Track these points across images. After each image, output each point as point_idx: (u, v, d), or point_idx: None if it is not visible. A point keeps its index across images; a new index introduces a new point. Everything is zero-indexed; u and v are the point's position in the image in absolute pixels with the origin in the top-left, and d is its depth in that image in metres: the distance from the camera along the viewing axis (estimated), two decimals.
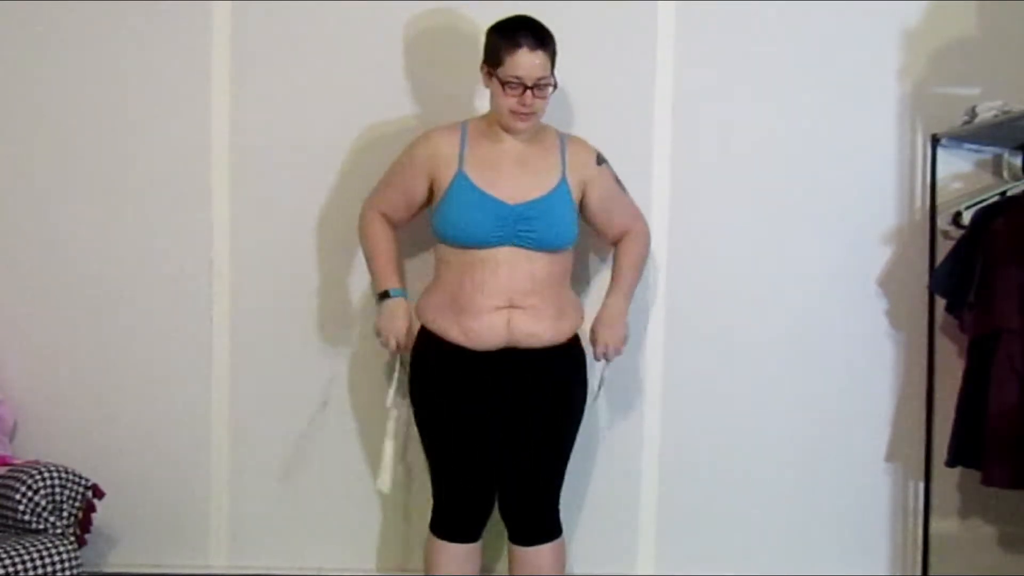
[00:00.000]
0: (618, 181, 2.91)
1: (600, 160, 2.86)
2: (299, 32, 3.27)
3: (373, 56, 3.27)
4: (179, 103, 3.28)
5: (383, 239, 2.89)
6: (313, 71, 3.28)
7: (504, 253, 2.69)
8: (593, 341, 2.89)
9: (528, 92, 2.65)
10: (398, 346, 2.83)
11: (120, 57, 3.28)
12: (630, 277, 2.93)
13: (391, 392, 2.91)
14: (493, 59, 2.69)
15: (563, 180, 2.76)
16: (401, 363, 2.90)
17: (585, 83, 3.23)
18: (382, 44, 3.26)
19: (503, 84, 2.66)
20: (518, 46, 2.63)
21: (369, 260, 2.93)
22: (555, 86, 2.72)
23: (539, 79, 2.65)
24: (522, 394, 2.74)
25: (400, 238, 2.97)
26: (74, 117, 3.29)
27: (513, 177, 2.72)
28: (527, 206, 2.69)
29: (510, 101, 2.67)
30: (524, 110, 2.68)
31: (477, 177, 2.71)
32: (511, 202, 2.69)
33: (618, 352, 2.90)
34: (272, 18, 3.26)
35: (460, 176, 2.71)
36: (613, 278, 2.94)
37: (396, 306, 2.82)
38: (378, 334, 2.84)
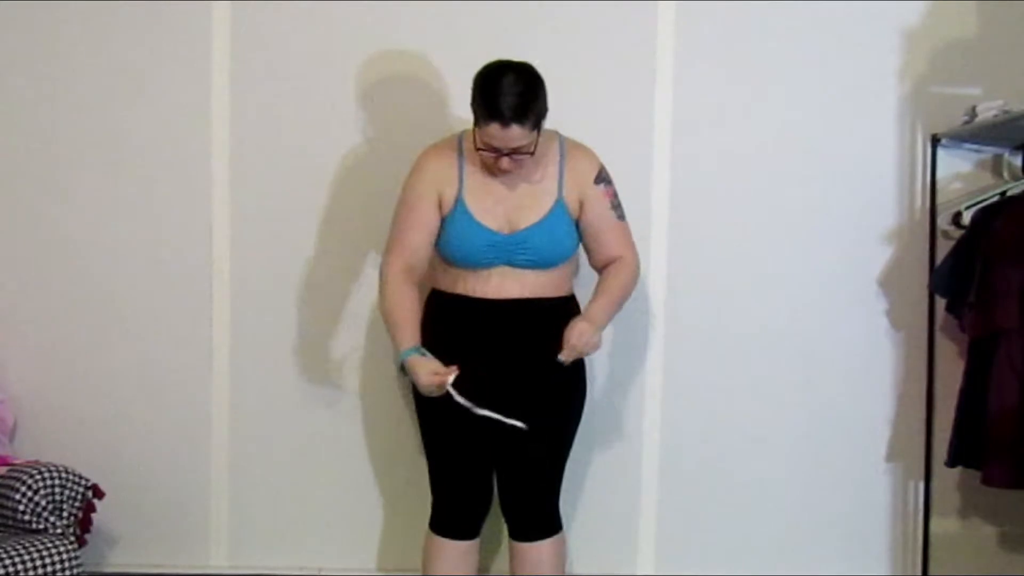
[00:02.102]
0: (615, 206, 2.77)
1: (599, 179, 2.75)
2: (299, 32, 3.27)
3: (373, 56, 3.27)
4: (179, 103, 3.28)
5: (401, 302, 2.68)
6: (313, 71, 3.27)
7: (498, 270, 2.71)
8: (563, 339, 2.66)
9: (504, 158, 2.59)
10: (443, 383, 2.58)
11: (120, 57, 3.28)
12: (605, 302, 2.72)
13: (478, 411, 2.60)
14: (474, 114, 2.59)
15: (559, 200, 2.71)
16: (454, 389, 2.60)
17: (585, 83, 3.23)
18: (383, 43, 3.26)
19: (480, 147, 2.60)
20: (491, 119, 2.52)
21: (387, 323, 2.71)
22: (532, 152, 2.59)
23: (515, 148, 2.57)
24: (521, 390, 2.73)
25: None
26: (74, 117, 3.29)
27: (509, 202, 2.70)
28: (522, 235, 2.68)
29: (487, 158, 2.63)
30: (502, 168, 2.64)
31: (474, 204, 2.69)
32: (506, 231, 2.69)
33: (578, 353, 2.66)
34: (272, 18, 3.26)
35: (460, 204, 2.70)
36: (592, 299, 2.75)
37: (415, 364, 2.60)
38: (424, 392, 2.64)
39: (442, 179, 2.71)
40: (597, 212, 2.75)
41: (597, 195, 2.75)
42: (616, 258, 2.80)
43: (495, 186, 2.71)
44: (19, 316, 3.32)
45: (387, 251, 2.77)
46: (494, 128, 2.53)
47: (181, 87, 3.28)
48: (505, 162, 2.61)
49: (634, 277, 2.81)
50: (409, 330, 2.67)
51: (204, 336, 3.31)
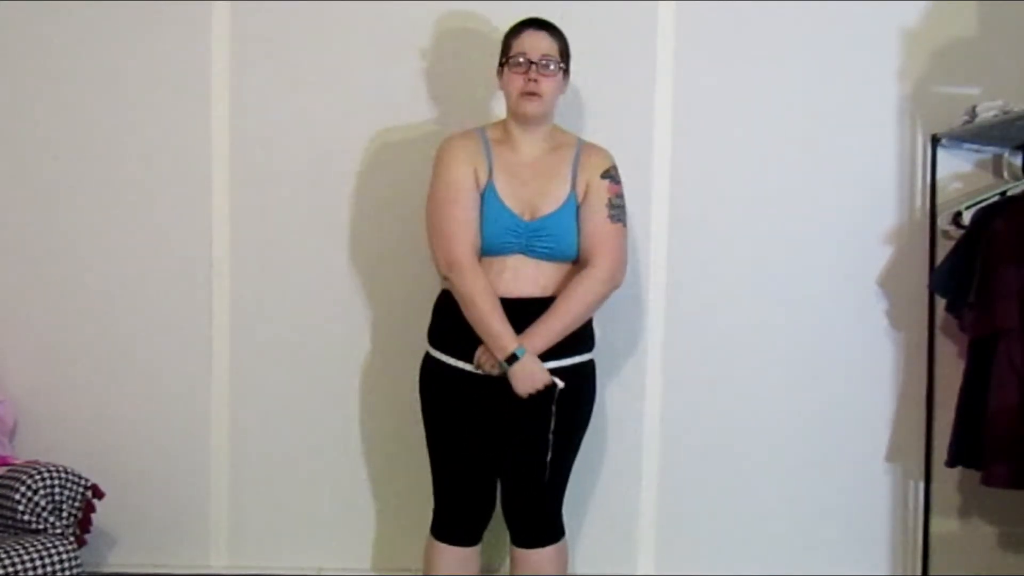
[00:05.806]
0: (613, 205, 2.75)
1: (607, 175, 2.77)
2: (299, 32, 3.27)
3: (373, 56, 3.27)
4: (179, 103, 3.28)
5: (491, 293, 2.67)
6: (313, 71, 3.28)
7: (513, 259, 2.72)
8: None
9: (533, 67, 2.70)
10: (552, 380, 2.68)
11: (120, 57, 3.28)
12: (555, 321, 2.68)
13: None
14: (504, 51, 2.77)
15: (571, 193, 2.74)
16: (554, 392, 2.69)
17: (585, 83, 3.23)
18: (382, 43, 3.27)
19: (510, 66, 2.73)
20: (523, 28, 2.74)
21: (481, 321, 2.65)
22: (565, 71, 2.77)
23: (543, 56, 2.71)
24: (526, 402, 2.72)
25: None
26: (74, 117, 3.29)
27: (531, 189, 2.74)
28: (540, 222, 2.71)
29: (517, 81, 2.72)
30: (530, 88, 2.70)
31: (503, 187, 2.73)
32: (527, 217, 2.72)
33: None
34: (272, 18, 3.27)
35: (490, 185, 2.73)
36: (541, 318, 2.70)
37: (532, 362, 2.65)
38: (526, 391, 2.67)
39: (474, 159, 2.75)
40: (592, 202, 2.75)
41: (600, 187, 2.76)
42: (590, 259, 2.73)
43: (518, 171, 2.74)
44: (19, 316, 3.32)
45: (447, 242, 2.69)
46: (526, 35, 2.73)
47: (181, 88, 3.28)
48: (533, 73, 2.69)
49: (592, 293, 2.72)
50: (508, 325, 2.66)
51: (204, 336, 3.31)
